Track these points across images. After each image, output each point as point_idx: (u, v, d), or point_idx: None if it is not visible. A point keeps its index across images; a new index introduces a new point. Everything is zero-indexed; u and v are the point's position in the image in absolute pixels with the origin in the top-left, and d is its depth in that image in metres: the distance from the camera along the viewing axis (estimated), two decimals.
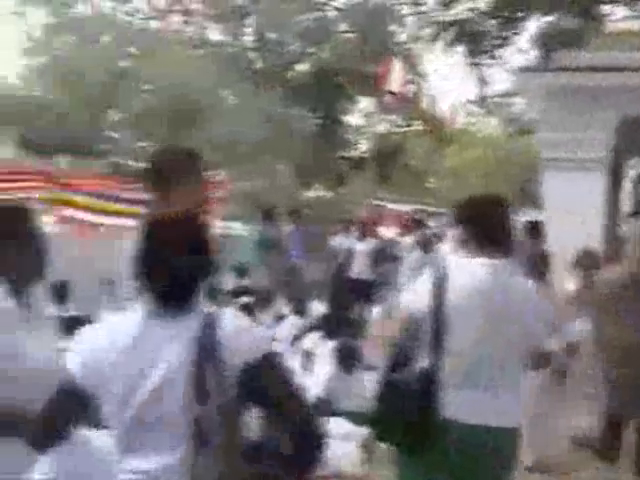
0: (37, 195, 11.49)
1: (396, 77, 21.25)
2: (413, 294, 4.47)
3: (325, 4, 33.00)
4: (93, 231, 12.18)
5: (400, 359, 4.41)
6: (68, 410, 3.02)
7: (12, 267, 3.54)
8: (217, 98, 29.04)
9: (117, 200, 12.36)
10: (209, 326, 2.87)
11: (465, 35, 27.73)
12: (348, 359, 8.98)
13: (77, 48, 30.58)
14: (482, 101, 31.93)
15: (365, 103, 34.55)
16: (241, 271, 14.47)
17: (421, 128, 33.36)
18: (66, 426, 3.07)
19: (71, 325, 8.76)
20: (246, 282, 14.26)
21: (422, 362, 4.29)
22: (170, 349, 2.87)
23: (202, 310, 2.95)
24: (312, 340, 10.63)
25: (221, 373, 2.81)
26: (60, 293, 11.74)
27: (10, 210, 3.68)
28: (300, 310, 12.16)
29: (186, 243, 2.99)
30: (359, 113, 35.31)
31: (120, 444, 2.96)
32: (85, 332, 3.04)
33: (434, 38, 28.35)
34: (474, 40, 27.72)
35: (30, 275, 3.63)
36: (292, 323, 11.86)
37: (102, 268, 12.52)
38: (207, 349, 2.82)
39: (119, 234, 12.50)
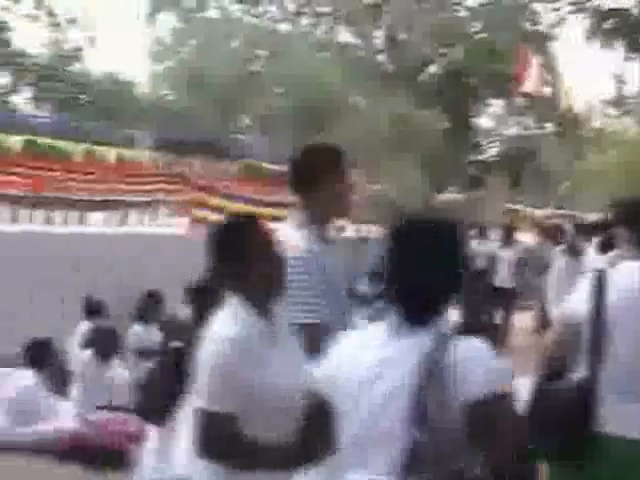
0: (173, 197, 11.63)
1: (533, 76, 20.76)
2: (571, 301, 4.26)
3: (457, 4, 32.69)
4: None
5: (556, 368, 4.21)
6: (322, 426, 2.97)
7: (256, 283, 3.49)
8: (348, 100, 29.06)
9: (252, 202, 12.42)
10: (441, 348, 2.72)
11: (626, 26, 26.68)
12: None
13: (206, 52, 31.02)
14: (620, 100, 31.16)
15: (496, 105, 34.05)
16: (376, 276, 14.32)
17: (554, 130, 32.71)
18: (322, 441, 3.01)
19: None
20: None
21: (579, 372, 4.08)
22: (397, 366, 2.76)
23: (440, 330, 2.81)
24: None
25: (446, 400, 2.66)
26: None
27: (247, 224, 3.62)
28: None
29: (440, 254, 2.85)
30: (490, 116, 34.85)
31: (339, 459, 2.89)
32: (334, 345, 3.01)
33: (593, 31, 27.58)
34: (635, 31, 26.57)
35: (272, 290, 3.55)
36: None
37: None
38: (434, 372, 2.69)
39: None
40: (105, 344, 8.36)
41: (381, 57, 33.01)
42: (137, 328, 10.22)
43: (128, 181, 11.05)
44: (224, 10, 33.38)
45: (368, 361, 2.81)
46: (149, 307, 10.62)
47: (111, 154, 10.95)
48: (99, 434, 8.01)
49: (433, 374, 2.66)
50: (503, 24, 31.37)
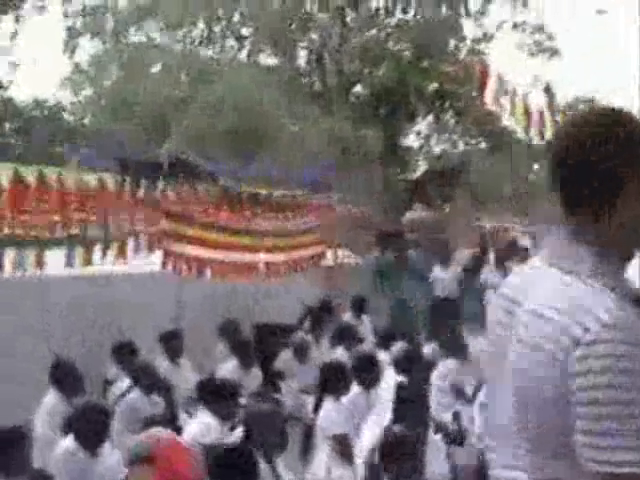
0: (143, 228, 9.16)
1: (492, 89, 18.70)
2: None
3: (382, 22, 30.77)
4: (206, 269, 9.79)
5: None
6: None
7: None
8: (279, 121, 27.11)
9: (233, 231, 10.04)
10: None
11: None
12: None
13: (129, 77, 29.10)
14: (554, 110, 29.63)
15: (425, 123, 32.29)
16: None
17: (485, 146, 31.14)
18: None
19: None
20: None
21: None
22: None
23: None
24: None
25: None
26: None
27: None
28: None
29: None
30: (417, 135, 33.11)
31: None
32: None
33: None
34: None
35: None
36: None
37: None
38: None
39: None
40: (93, 428, 5.85)
41: (308, 78, 30.95)
42: None
43: (88, 210, 8.53)
44: (144, 36, 31.00)
45: None
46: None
47: (67, 178, 8.41)
48: None
49: None
50: (429, 41, 29.72)
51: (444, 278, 14.15)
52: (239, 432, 5.75)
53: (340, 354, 10.08)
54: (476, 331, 12.22)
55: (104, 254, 8.50)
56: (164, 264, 9.21)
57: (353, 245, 13.77)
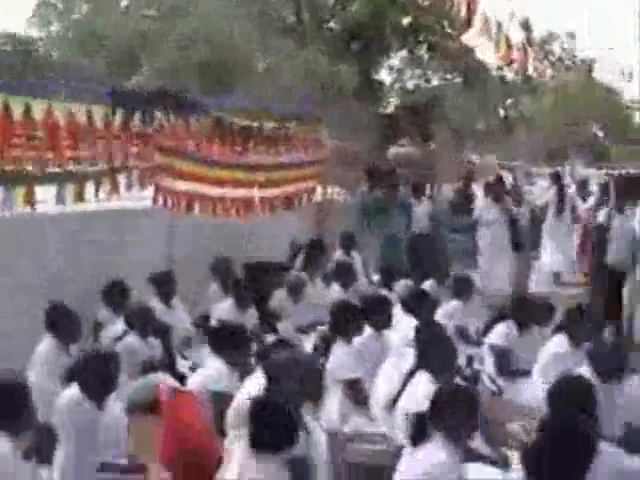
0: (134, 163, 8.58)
1: (476, 27, 18.02)
2: None
3: None
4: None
5: None
6: None
7: None
8: (252, 55, 26.43)
9: (226, 165, 9.50)
10: None
11: None
12: None
13: (98, 10, 28.28)
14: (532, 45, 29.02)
15: (399, 58, 31.55)
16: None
17: (459, 81, 30.48)
18: None
19: None
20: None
21: None
22: None
23: None
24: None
25: None
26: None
27: None
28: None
29: None
30: (390, 70, 32.37)
31: None
32: None
33: None
34: None
35: None
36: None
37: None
38: None
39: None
40: (100, 377, 5.35)
41: (280, 11, 30.04)
42: None
43: (80, 146, 7.94)
44: None
45: None
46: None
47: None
48: None
49: None
50: None
51: (417, 212, 13.48)
52: (260, 381, 5.28)
53: (337, 292, 9.69)
54: (468, 268, 11.93)
55: (96, 190, 7.94)
56: (155, 200, 8.67)
57: (341, 181, 13.26)
